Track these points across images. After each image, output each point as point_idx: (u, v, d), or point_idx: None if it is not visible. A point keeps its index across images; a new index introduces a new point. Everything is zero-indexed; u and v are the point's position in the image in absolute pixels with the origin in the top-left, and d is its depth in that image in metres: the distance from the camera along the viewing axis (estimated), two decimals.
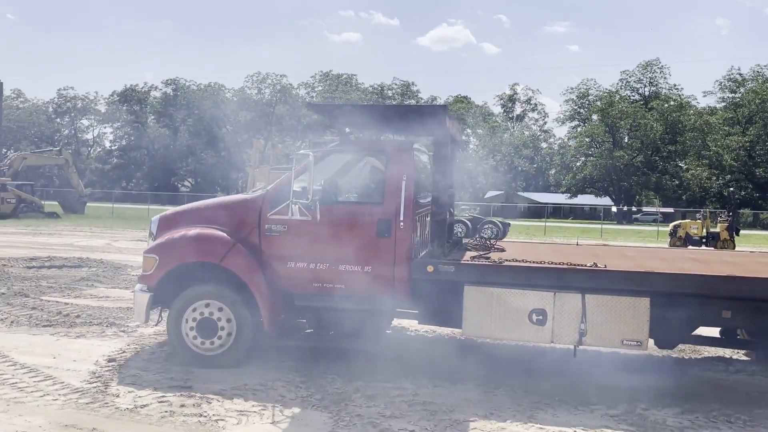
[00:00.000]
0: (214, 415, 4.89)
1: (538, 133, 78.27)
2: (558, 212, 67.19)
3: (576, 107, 70.22)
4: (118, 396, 5.24)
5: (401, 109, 7.69)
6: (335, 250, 5.97)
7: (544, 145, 78.32)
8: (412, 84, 72.81)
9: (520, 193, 74.07)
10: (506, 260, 6.11)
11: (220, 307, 6.07)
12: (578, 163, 68.64)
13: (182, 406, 5.05)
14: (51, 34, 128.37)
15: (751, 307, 5.57)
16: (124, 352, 6.57)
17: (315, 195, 5.87)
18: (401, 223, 5.88)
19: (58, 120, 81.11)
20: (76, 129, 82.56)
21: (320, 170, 6.22)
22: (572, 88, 70.86)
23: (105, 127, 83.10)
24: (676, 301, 5.61)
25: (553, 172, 78.11)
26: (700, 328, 5.97)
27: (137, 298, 6.27)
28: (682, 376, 6.31)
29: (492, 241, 7.16)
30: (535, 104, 77.92)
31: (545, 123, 79.07)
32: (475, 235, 24.26)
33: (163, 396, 5.26)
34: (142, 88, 78.06)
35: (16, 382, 5.50)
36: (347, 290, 6.00)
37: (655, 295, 5.52)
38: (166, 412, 4.93)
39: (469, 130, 73.15)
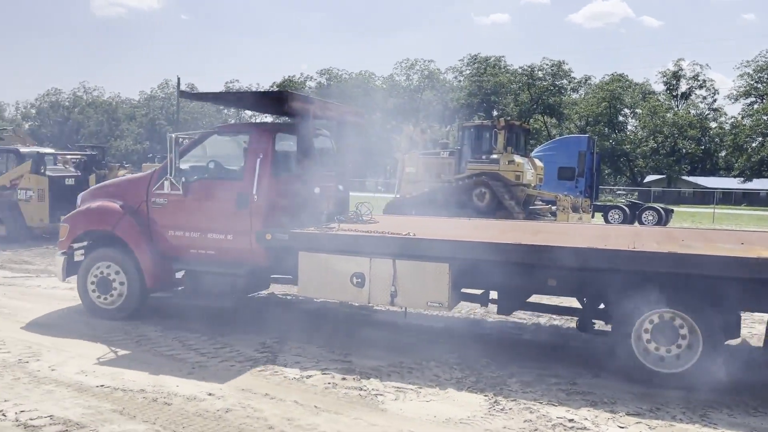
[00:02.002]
0: (373, 389, 5.10)
1: (707, 112, 71.58)
2: (728, 198, 61.21)
3: (752, 82, 63.22)
4: (285, 366, 5.64)
5: (244, 95, 8.53)
6: (205, 220, 6.85)
7: (713, 124, 71.51)
8: (564, 63, 69.53)
9: (685, 178, 68.44)
10: (332, 229, 6.67)
11: (115, 268, 7.11)
12: (754, 144, 61.91)
13: (343, 379, 5.32)
14: (219, 31, 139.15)
15: (571, 277, 5.63)
16: (287, 325, 7.04)
17: (180, 172, 6.90)
18: (255, 197, 6.59)
19: (225, 111, 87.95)
20: (241, 119, 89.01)
21: (203, 150, 7.36)
22: (748, 62, 63.79)
23: (265, 117, 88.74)
24: (484, 268, 5.85)
25: (723, 154, 71.19)
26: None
27: (56, 260, 7.46)
28: None
29: (367, 216, 7.69)
30: (703, 80, 71.14)
31: (715, 101, 72.02)
32: (634, 222, 22.92)
33: (326, 368, 5.58)
34: (298, 78, 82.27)
35: (198, 348, 6.12)
36: (216, 256, 6.84)
37: (457, 262, 5.88)
38: (329, 383, 5.22)
39: (626, 110, 68.77)
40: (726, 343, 5.48)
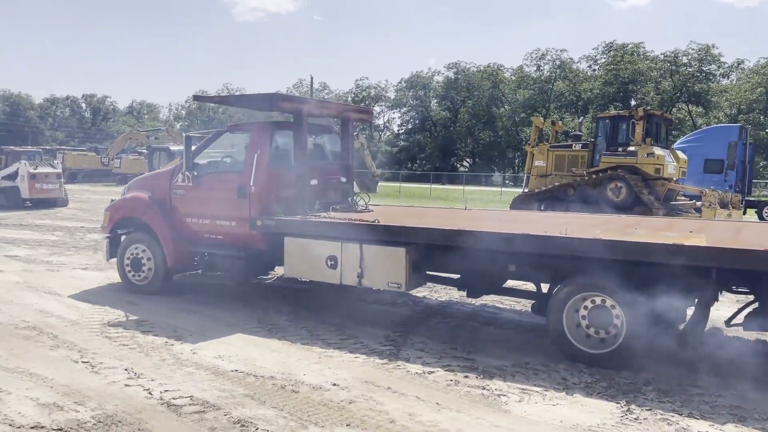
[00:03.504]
0: (496, 389, 4.97)
1: None
2: None
3: None
4: (408, 360, 5.65)
5: (242, 97, 8.94)
6: (214, 209, 7.63)
7: None
8: (713, 47, 63.95)
9: None
10: (314, 217, 7.21)
11: (144, 249, 8.10)
12: None
13: (466, 377, 5.24)
14: (349, 30, 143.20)
15: (522, 262, 5.97)
16: (411, 320, 7.09)
17: (193, 166, 7.73)
18: (252, 188, 7.29)
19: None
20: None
21: (216, 146, 8.13)
22: None
23: (393, 113, 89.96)
24: (440, 253, 6.34)
25: None
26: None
27: (102, 244, 8.95)
28: None
29: (363, 204, 8.31)
30: None
31: None
32: None
33: (448, 365, 5.52)
34: (426, 73, 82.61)
35: (326, 338, 6.30)
36: (225, 239, 7.64)
37: (413, 246, 6.37)
38: (451, 381, 5.16)
39: None
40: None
